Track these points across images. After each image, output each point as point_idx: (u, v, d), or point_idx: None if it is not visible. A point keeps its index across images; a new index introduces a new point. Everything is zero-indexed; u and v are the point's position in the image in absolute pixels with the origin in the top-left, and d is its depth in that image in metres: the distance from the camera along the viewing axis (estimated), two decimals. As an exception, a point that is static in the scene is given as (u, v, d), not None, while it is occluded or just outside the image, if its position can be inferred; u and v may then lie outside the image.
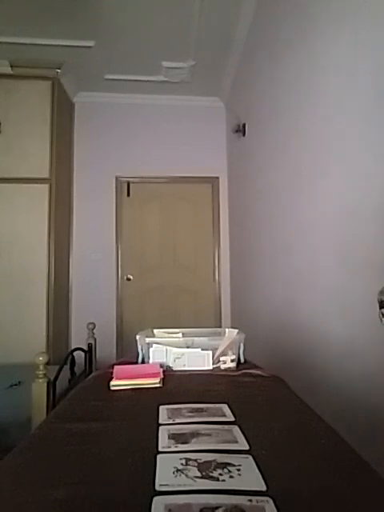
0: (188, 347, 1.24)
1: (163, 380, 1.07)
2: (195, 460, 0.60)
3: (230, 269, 3.84)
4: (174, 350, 1.23)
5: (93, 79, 3.57)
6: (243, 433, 0.70)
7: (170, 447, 0.65)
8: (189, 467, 0.57)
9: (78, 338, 3.40)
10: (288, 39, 2.03)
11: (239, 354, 1.29)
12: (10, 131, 3.13)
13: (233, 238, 3.74)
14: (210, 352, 1.23)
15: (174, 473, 0.56)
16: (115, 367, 1.12)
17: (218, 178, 3.95)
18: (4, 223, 3.07)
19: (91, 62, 3.26)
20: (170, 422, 0.76)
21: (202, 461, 0.59)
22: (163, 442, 0.67)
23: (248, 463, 0.59)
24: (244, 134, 3.07)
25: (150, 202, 3.91)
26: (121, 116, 3.89)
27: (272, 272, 2.38)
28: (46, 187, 3.13)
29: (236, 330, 1.33)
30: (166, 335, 1.39)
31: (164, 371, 1.13)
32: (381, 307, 0.62)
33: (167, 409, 0.84)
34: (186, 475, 0.55)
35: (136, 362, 1.26)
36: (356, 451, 0.66)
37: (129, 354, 1.41)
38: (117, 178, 3.84)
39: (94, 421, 0.79)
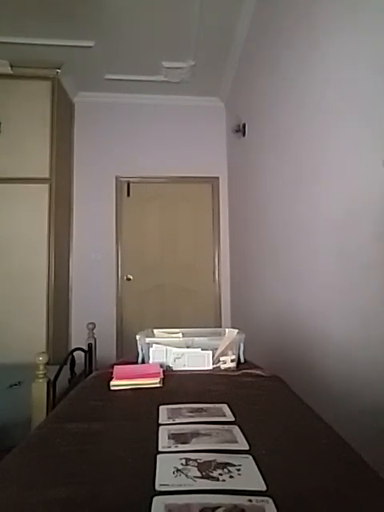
0: (188, 347, 1.24)
1: (163, 380, 1.07)
2: (195, 460, 0.60)
3: (230, 269, 3.84)
4: (174, 350, 1.23)
5: (93, 79, 3.57)
6: (243, 433, 0.70)
7: (170, 447, 0.65)
8: (189, 467, 0.57)
9: (78, 338, 3.40)
10: (288, 39, 2.03)
11: (239, 354, 1.29)
12: (10, 131, 3.13)
13: (233, 238, 3.74)
14: (210, 352, 1.23)
15: (173, 473, 0.56)
16: (115, 367, 1.12)
17: (218, 178, 3.95)
18: (4, 223, 3.07)
19: (91, 62, 3.26)
20: (170, 421, 0.76)
21: (202, 461, 0.59)
22: (163, 441, 0.67)
23: (248, 463, 0.59)
24: (244, 134, 3.07)
25: (150, 202, 3.91)
26: (121, 116, 3.89)
27: (272, 272, 2.38)
28: (46, 187, 3.13)
29: (236, 330, 1.33)
30: (166, 335, 1.38)
31: (164, 371, 1.13)
32: None
33: (167, 409, 0.84)
34: (186, 475, 0.55)
35: (136, 362, 1.26)
36: (356, 451, 0.66)
37: (129, 354, 1.41)
38: (117, 178, 3.84)
39: (94, 421, 0.79)
